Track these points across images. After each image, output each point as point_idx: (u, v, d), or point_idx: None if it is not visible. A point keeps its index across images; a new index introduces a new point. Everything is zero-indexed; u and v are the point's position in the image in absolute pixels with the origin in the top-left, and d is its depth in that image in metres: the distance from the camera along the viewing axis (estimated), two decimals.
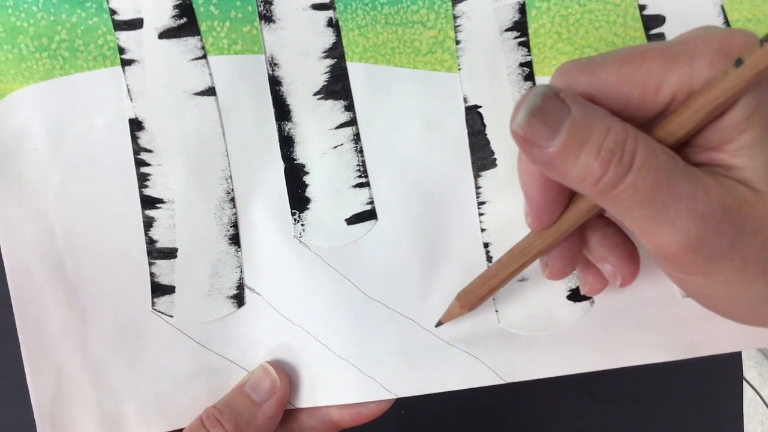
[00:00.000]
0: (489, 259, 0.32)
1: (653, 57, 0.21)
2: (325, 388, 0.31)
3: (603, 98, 0.22)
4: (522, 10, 0.32)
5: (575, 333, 0.31)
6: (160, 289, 0.31)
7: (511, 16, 0.32)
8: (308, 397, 0.31)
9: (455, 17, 0.32)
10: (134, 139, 0.31)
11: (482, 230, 0.32)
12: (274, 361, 0.31)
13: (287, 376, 0.31)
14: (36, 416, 0.30)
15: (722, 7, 0.32)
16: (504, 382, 0.31)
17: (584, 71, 0.22)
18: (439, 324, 0.31)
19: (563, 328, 0.31)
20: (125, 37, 0.31)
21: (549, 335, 0.31)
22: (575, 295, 0.32)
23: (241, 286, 0.31)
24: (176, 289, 0.31)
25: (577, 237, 0.27)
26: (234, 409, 0.29)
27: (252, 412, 0.29)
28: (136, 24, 0.31)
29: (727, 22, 0.32)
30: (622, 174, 0.21)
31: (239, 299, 0.31)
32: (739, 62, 0.20)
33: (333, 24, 0.32)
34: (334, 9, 0.32)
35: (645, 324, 0.31)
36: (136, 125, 0.31)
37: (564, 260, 0.27)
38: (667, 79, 0.21)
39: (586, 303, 0.31)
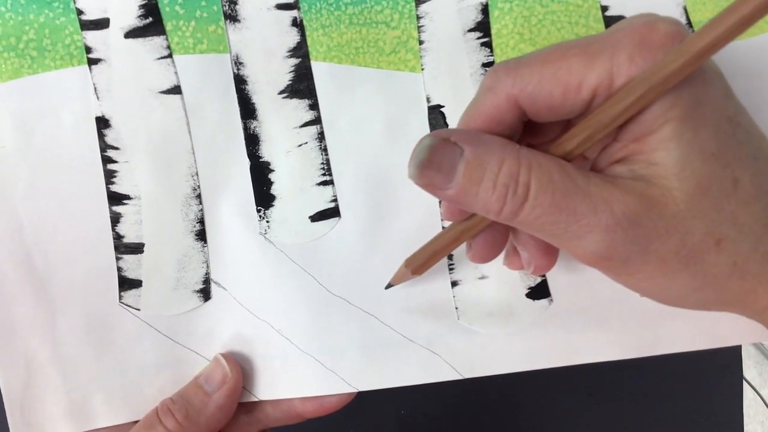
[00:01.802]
0: (450, 256, 0.32)
1: (574, 54, 0.21)
2: (288, 381, 0.32)
3: (527, 98, 0.22)
4: (485, 10, 0.32)
5: (534, 330, 0.32)
6: (127, 283, 0.32)
7: (474, 16, 0.32)
8: (272, 390, 0.32)
9: (419, 17, 0.32)
10: (101, 136, 0.32)
11: (444, 228, 0.32)
12: (228, 353, 0.32)
13: (239, 367, 0.31)
14: (6, 406, 0.31)
15: (685, 8, 0.32)
16: (462, 377, 0.32)
17: (510, 72, 0.22)
18: (389, 286, 0.31)
19: (522, 326, 0.32)
20: (92, 37, 0.31)
21: (508, 333, 0.32)
22: (534, 293, 0.32)
23: (207, 281, 0.32)
24: (143, 283, 0.32)
25: (505, 227, 0.27)
26: (186, 400, 0.30)
27: (203, 402, 0.30)
28: (102, 24, 0.31)
29: (689, 23, 0.32)
30: (519, 205, 0.22)
31: (205, 293, 0.32)
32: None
33: (297, 23, 0.32)
34: (298, 9, 0.32)
35: (603, 322, 0.32)
36: (102, 123, 0.32)
37: (486, 245, 0.27)
38: (587, 76, 0.21)
39: (544, 301, 0.32)
